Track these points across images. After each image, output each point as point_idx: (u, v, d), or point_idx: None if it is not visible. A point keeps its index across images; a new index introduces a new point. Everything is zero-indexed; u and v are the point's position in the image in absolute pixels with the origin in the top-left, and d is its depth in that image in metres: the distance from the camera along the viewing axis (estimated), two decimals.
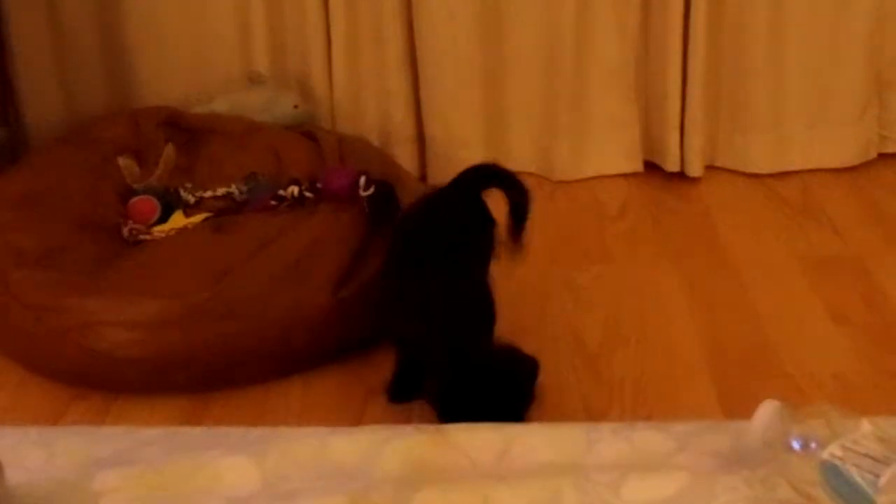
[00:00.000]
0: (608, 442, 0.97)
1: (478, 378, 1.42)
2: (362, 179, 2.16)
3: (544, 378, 2.06)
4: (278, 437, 1.01)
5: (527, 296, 2.30)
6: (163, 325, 2.02)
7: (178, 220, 2.24)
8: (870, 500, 0.79)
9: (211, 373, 2.01)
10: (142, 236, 2.20)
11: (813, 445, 0.82)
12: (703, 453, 0.93)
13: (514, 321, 2.20)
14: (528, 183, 2.81)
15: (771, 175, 2.71)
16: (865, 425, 0.83)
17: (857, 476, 0.79)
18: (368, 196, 2.16)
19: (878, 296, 2.19)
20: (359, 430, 1.02)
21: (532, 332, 2.17)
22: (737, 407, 1.90)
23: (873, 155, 2.73)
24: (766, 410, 0.89)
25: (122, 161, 2.30)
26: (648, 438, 0.97)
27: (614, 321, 2.19)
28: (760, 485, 0.88)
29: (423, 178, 2.79)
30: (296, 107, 2.63)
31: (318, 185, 2.19)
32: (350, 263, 2.09)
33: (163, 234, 2.19)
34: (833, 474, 0.81)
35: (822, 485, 0.81)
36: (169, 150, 2.31)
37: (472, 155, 2.75)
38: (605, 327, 2.17)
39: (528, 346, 2.17)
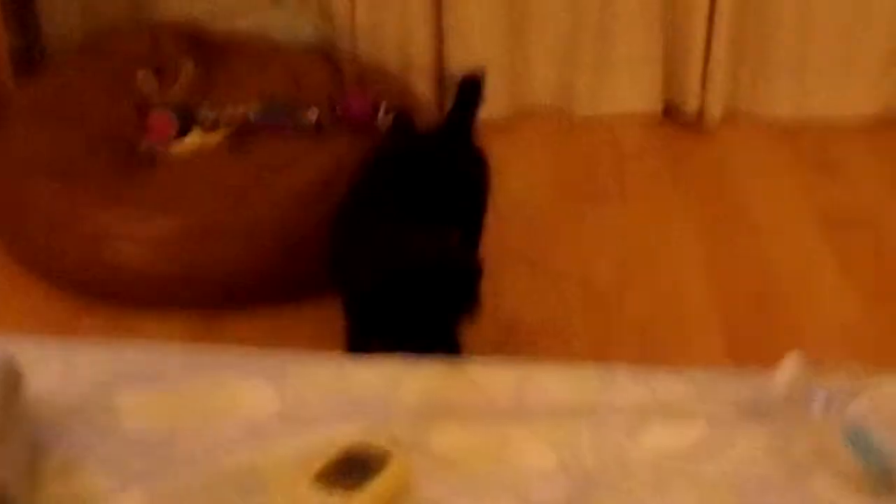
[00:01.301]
0: (625, 385, 0.97)
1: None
2: (382, 108, 2.14)
3: (550, 314, 2.07)
4: (297, 362, 1.01)
5: (539, 232, 2.29)
6: (176, 242, 2.02)
7: (195, 137, 2.22)
8: (890, 459, 0.79)
9: (222, 292, 2.02)
10: (159, 151, 2.18)
11: (836, 402, 0.82)
12: (722, 402, 0.93)
13: (523, 255, 2.21)
14: (547, 117, 2.83)
15: (791, 124, 2.68)
16: (889, 383, 0.82)
17: (878, 435, 0.79)
18: (387, 125, 2.13)
19: (889, 251, 2.18)
20: (378, 360, 1.02)
21: (542, 270, 2.17)
22: (744, 354, 1.92)
23: (895, 110, 2.70)
24: (791, 363, 0.88)
25: (141, 75, 2.28)
26: (667, 384, 0.96)
27: (624, 262, 2.19)
28: (780, 437, 0.88)
29: (440, 108, 2.76)
30: (316, 28, 2.59)
31: (338, 112, 2.17)
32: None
33: (179, 152, 2.18)
34: (854, 432, 0.81)
35: (844, 442, 0.81)
36: (188, 66, 2.29)
37: (494, 86, 2.71)
38: (615, 267, 2.17)
39: (536, 281, 2.18)
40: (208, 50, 2.40)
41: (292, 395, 0.96)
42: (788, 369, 0.88)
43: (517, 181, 2.48)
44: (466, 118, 1.97)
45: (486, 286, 1.62)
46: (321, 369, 0.99)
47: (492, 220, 2.26)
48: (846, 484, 0.83)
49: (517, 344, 1.93)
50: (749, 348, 1.92)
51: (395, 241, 1.62)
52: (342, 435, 0.89)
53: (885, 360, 1.89)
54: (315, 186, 2.03)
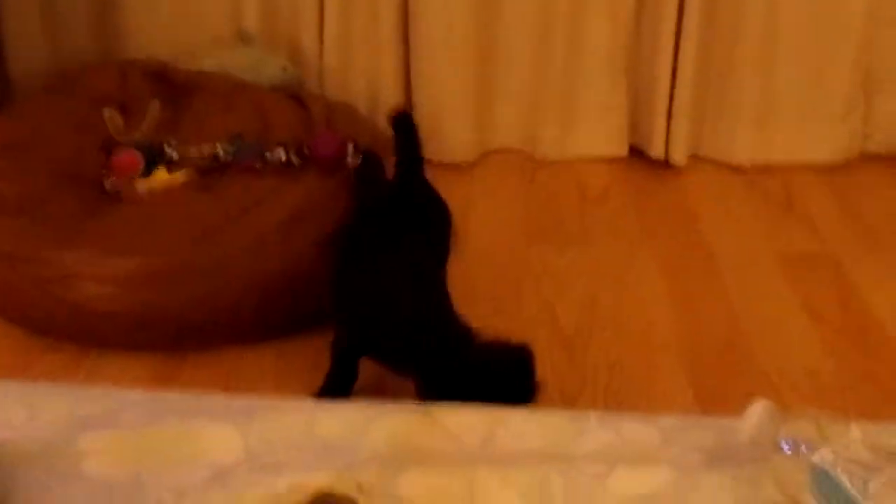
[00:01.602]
0: (595, 431, 0.97)
1: (471, 374, 1.39)
2: (350, 147, 2.14)
3: None
4: (263, 408, 1.00)
5: (504, 276, 2.30)
6: (142, 283, 2.00)
7: (161, 175, 2.21)
8: None
9: (187, 332, 2.00)
10: (125, 191, 2.17)
11: (802, 448, 0.82)
12: (689, 448, 0.93)
13: (490, 301, 2.21)
14: (512, 160, 2.84)
15: (754, 168, 2.71)
16: (855, 431, 0.83)
17: (846, 482, 0.79)
18: (355, 165, 2.14)
19: (853, 297, 2.20)
20: (345, 405, 1.01)
21: (508, 313, 2.17)
22: (711, 397, 1.92)
23: (856, 154, 2.75)
24: (757, 409, 0.89)
25: (107, 113, 2.27)
26: (635, 430, 0.97)
27: (591, 305, 2.20)
28: (747, 483, 0.88)
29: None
30: (284, 69, 2.60)
31: (306, 151, 2.17)
32: (333, 231, 2.07)
33: (145, 190, 2.17)
34: (822, 479, 0.81)
35: (810, 488, 0.81)
36: (155, 105, 2.28)
37: (460, 129, 2.74)
38: (582, 311, 2.18)
39: (504, 326, 2.17)
40: (175, 88, 2.40)
41: (258, 441, 0.95)
42: (754, 416, 0.89)
43: (482, 224, 2.49)
44: (416, 158, 1.99)
45: None
46: (288, 415, 0.98)
47: (456, 264, 2.27)
48: None
49: None
50: (716, 391, 1.93)
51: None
52: (308, 481, 0.88)
53: (849, 404, 1.91)
54: (283, 226, 2.02)
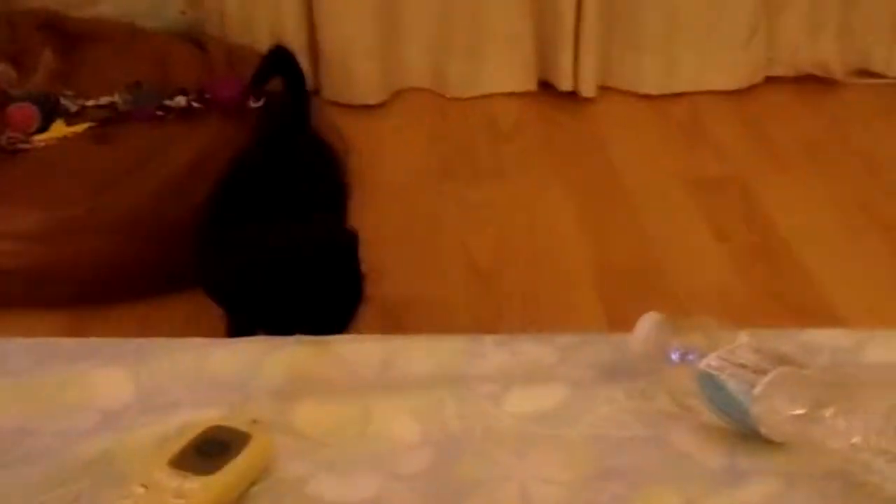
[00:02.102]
0: (491, 354, 0.96)
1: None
2: (250, 89, 2.10)
3: (434, 293, 2.07)
4: (155, 348, 0.97)
5: (418, 214, 2.28)
6: (42, 237, 1.95)
7: (59, 128, 2.14)
8: (744, 409, 0.79)
9: (92, 287, 1.95)
10: (21, 145, 2.10)
11: (691, 357, 0.82)
12: (584, 365, 0.93)
13: (404, 237, 2.20)
14: (422, 99, 2.81)
15: (661, 96, 2.72)
16: (743, 337, 0.83)
17: (732, 386, 0.80)
18: (257, 108, 2.09)
19: (759, 216, 2.23)
20: (239, 341, 0.99)
21: (423, 249, 2.16)
22: (622, 322, 1.93)
23: (760, 78, 2.77)
24: (646, 323, 0.88)
25: None
26: (531, 350, 0.96)
27: (504, 239, 2.19)
28: (639, 396, 0.88)
29: (316, 90, 2.72)
30: (183, 13, 2.53)
31: (207, 96, 2.12)
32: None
33: (43, 144, 2.10)
34: (709, 384, 0.81)
35: (698, 395, 0.81)
36: (47, 55, 2.21)
37: (367, 69, 2.70)
38: (496, 245, 2.17)
39: (419, 262, 2.16)
40: (69, 37, 2.31)
41: (149, 382, 0.93)
42: (644, 329, 0.88)
43: (394, 164, 2.46)
44: (299, 96, 1.89)
45: (369, 270, 1.60)
46: (179, 354, 0.96)
47: (370, 204, 2.24)
48: (706, 436, 0.83)
49: (402, 325, 1.91)
50: (627, 314, 1.92)
51: (263, 232, 1.55)
52: (201, 420, 0.86)
53: (757, 322, 1.93)
54: (185, 173, 1.97)
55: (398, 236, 2.16)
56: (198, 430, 0.84)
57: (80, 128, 2.12)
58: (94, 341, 0.99)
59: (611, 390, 0.88)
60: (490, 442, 0.86)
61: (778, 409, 0.78)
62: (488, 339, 0.98)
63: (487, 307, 1.98)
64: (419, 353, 0.96)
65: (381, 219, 2.19)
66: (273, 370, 0.95)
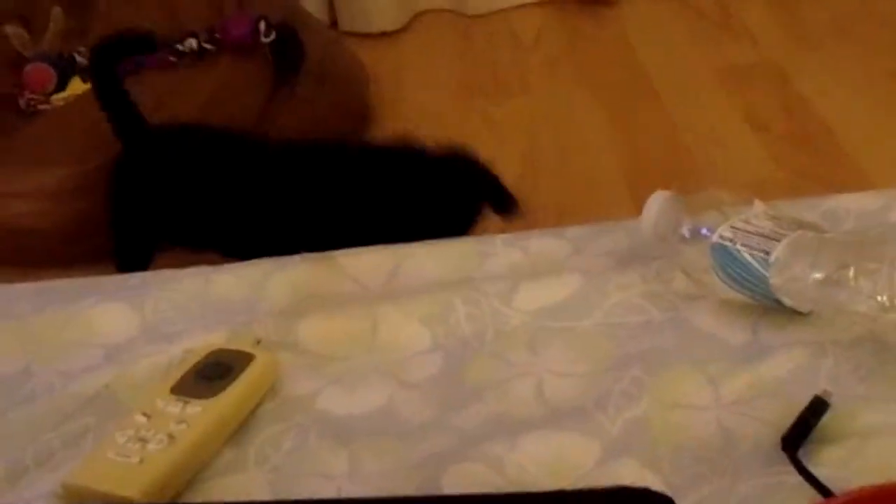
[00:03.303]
0: (501, 253, 0.91)
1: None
2: (262, 25, 2.05)
3: None
4: (159, 280, 0.94)
5: (446, 133, 2.22)
6: (64, 195, 1.93)
7: (76, 86, 2.12)
8: (762, 278, 0.74)
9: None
10: (41, 106, 2.09)
11: (704, 231, 0.77)
12: (597, 255, 0.88)
13: None
14: (442, 20, 2.74)
15: None
16: (758, 206, 0.77)
17: (747, 255, 0.74)
18: (270, 42, 2.05)
19: (796, 101, 2.14)
20: (244, 264, 0.95)
21: None
22: None
23: None
24: (655, 202, 0.83)
25: (11, 29, 2.16)
26: (541, 245, 0.91)
27: (533, 153, 2.13)
28: (655, 279, 0.82)
29: (333, 22, 2.67)
30: None
31: (217, 36, 2.07)
32: (258, 114, 1.99)
33: (62, 102, 2.08)
34: (723, 256, 0.75)
35: (713, 269, 0.76)
36: (57, 13, 2.17)
37: None
38: (524, 158, 2.11)
39: None
40: None
41: (152, 314, 0.90)
42: (654, 208, 0.83)
43: (418, 88, 2.40)
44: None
45: None
46: (182, 282, 0.93)
47: (395, 129, 2.19)
48: (725, 313, 0.78)
49: None
50: None
51: None
52: (204, 345, 0.83)
53: None
54: (201, 113, 1.94)
55: None
56: (200, 356, 0.82)
57: None
58: (96, 280, 0.97)
59: (625, 276, 0.83)
60: (502, 341, 0.82)
61: (798, 276, 0.73)
62: (497, 239, 0.94)
63: (520, 221, 1.93)
64: (427, 259, 0.92)
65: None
66: (277, 289, 0.91)
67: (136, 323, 0.89)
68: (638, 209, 1.92)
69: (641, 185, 1.98)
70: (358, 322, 0.86)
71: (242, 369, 0.80)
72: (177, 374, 0.80)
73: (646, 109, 2.20)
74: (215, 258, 1.59)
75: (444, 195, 1.54)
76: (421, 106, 2.31)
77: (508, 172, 2.10)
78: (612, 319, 0.81)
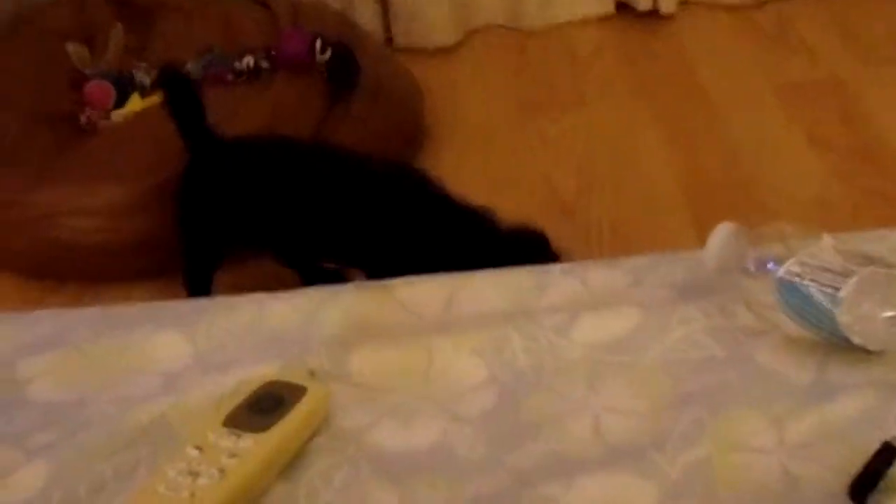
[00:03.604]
0: (560, 284, 0.88)
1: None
2: (318, 43, 2.04)
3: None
4: (213, 307, 0.93)
5: (500, 151, 2.20)
6: (129, 209, 1.94)
7: (135, 102, 2.13)
8: (831, 316, 0.71)
9: (179, 255, 1.94)
10: (101, 123, 2.10)
11: (770, 265, 0.74)
12: (657, 287, 0.85)
13: (487, 178, 2.12)
14: (497, 35, 2.71)
15: (744, 5, 2.57)
16: (826, 240, 0.74)
17: (815, 292, 0.71)
18: (325, 60, 2.04)
19: (856, 116, 2.08)
20: (298, 292, 0.94)
21: (507, 186, 2.09)
22: None
23: None
24: (720, 234, 0.80)
25: (72, 47, 2.18)
26: (601, 276, 0.88)
27: (589, 168, 2.10)
28: (718, 313, 0.80)
29: (389, 38, 2.66)
30: None
31: (273, 53, 2.08)
32: (314, 131, 1.99)
33: (121, 119, 2.09)
34: (790, 292, 0.72)
35: (780, 305, 0.73)
36: (117, 31, 2.19)
37: (438, 9, 2.62)
38: (580, 174, 2.08)
39: (502, 200, 2.08)
40: (137, 10, 2.29)
41: (206, 342, 0.89)
42: (717, 240, 0.80)
43: (472, 105, 2.38)
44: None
45: None
46: (236, 311, 0.91)
47: (449, 146, 2.18)
48: (791, 350, 0.75)
49: None
50: None
51: None
52: (257, 376, 0.82)
53: (863, 227, 1.81)
54: (259, 132, 1.94)
55: (480, 175, 2.09)
56: (252, 388, 0.80)
57: (155, 100, 2.10)
58: (151, 306, 0.96)
59: (686, 310, 0.81)
60: (559, 375, 0.79)
61: (868, 314, 0.70)
62: (556, 269, 0.91)
63: (575, 239, 1.90)
64: (484, 289, 0.90)
65: (461, 159, 2.12)
66: (331, 319, 0.89)
67: (190, 352, 0.88)
68: (695, 229, 1.89)
69: (699, 203, 1.94)
70: (411, 354, 0.84)
71: (295, 402, 0.78)
72: (229, 406, 0.79)
73: (704, 126, 2.16)
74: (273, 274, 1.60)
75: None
76: (474, 121, 2.29)
77: (564, 188, 2.09)
78: (673, 355, 0.78)
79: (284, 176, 1.68)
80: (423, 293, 0.91)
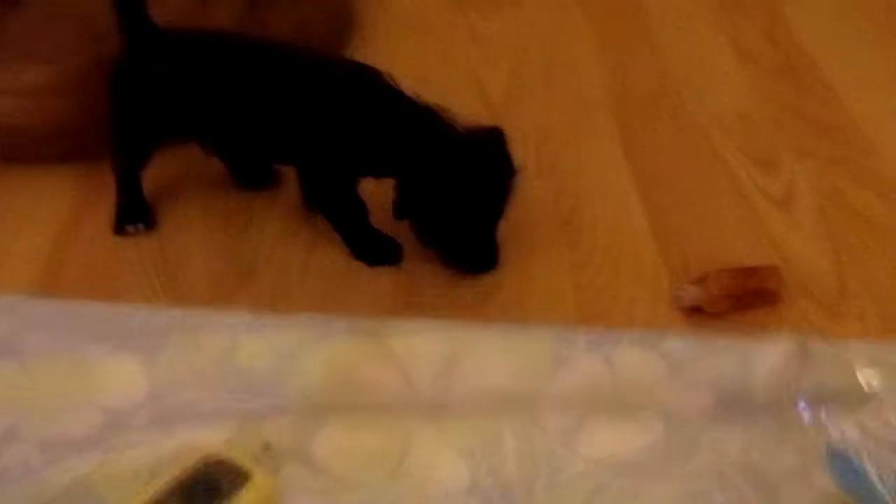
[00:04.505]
0: (580, 360, 0.70)
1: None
2: None
3: None
4: (182, 329, 0.73)
5: (429, 45, 1.95)
6: (48, 91, 1.65)
7: None
8: (883, 499, 0.57)
9: (104, 140, 1.69)
10: None
11: (823, 414, 0.59)
12: (696, 385, 0.67)
13: (414, 72, 1.88)
14: None
15: None
16: (888, 404, 0.59)
17: (872, 474, 0.57)
18: None
19: (782, 31, 1.90)
20: (282, 324, 0.74)
21: (435, 83, 1.85)
22: (639, 150, 1.67)
23: None
24: (774, 353, 0.62)
25: None
26: (632, 357, 0.70)
27: (519, 70, 1.88)
28: (757, 445, 0.64)
29: None
30: None
31: None
32: (242, 17, 1.72)
33: None
34: (843, 465, 0.58)
35: (829, 470, 0.59)
36: None
37: None
38: (510, 77, 1.86)
39: (431, 98, 1.88)
40: None
41: (163, 376, 0.69)
42: (769, 359, 0.63)
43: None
44: None
45: None
46: (207, 339, 0.71)
47: (379, 40, 1.93)
48: None
49: None
50: (646, 141, 1.67)
51: None
52: (202, 440, 0.64)
53: (779, 142, 1.66)
54: (184, 17, 1.65)
55: (408, 72, 1.83)
56: (190, 462, 0.63)
57: None
58: (122, 310, 0.75)
59: (721, 431, 0.63)
60: (551, 494, 0.64)
61: None
62: (581, 339, 0.72)
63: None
64: (490, 355, 0.70)
65: (390, 56, 1.86)
66: (310, 366, 0.71)
67: (144, 384, 0.69)
68: (621, 134, 1.73)
69: (626, 109, 1.75)
70: (387, 439, 0.66)
71: (233, 492, 0.61)
72: (159, 486, 0.61)
73: (633, 33, 1.93)
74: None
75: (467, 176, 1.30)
76: (404, 16, 2.02)
77: (493, 90, 1.87)
78: (693, 487, 0.63)
79: (222, 69, 1.45)
80: (421, 348, 0.72)
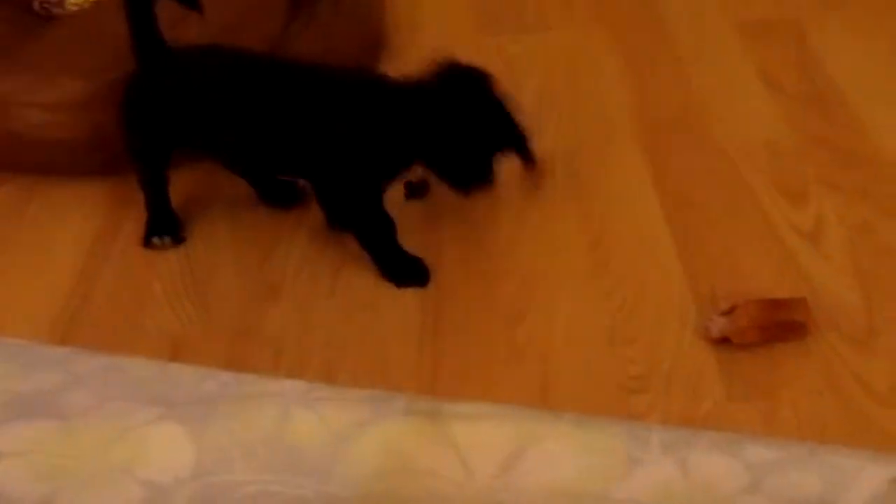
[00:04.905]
0: (653, 465, 0.64)
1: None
2: None
3: None
4: (231, 398, 0.70)
5: None
6: (82, 106, 1.65)
7: None
8: None
9: None
10: (55, 10, 1.77)
11: None
12: (779, 499, 0.61)
13: None
14: None
15: None
16: None
17: None
18: None
19: (811, 61, 1.88)
20: (341, 399, 0.70)
21: None
22: (665, 175, 1.65)
23: None
24: (873, 483, 0.58)
25: None
26: (711, 465, 0.64)
27: (546, 93, 1.87)
28: None
29: None
30: None
31: None
32: (274, 39, 1.71)
33: (76, 8, 1.77)
34: None
35: None
36: None
37: None
38: (538, 97, 1.85)
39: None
40: None
41: (209, 449, 0.66)
42: (871, 485, 0.58)
43: (432, 22, 2.09)
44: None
45: None
46: (254, 413, 0.68)
47: (411, 64, 1.92)
48: None
49: None
50: (672, 167, 1.64)
51: None
52: None
53: (807, 171, 1.62)
54: (218, 38, 1.65)
55: None
56: None
57: None
58: (172, 372, 0.73)
59: None
60: None
61: None
62: (654, 437, 0.65)
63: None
64: (557, 449, 0.64)
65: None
66: (363, 451, 0.65)
67: (190, 458, 0.66)
68: (646, 159, 1.72)
69: (651, 135, 1.74)
70: None
71: None
72: None
73: (660, 57, 1.91)
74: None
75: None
76: (434, 38, 2.00)
77: (522, 109, 1.86)
78: None
79: (225, 83, 1.45)
80: (484, 437, 0.66)
